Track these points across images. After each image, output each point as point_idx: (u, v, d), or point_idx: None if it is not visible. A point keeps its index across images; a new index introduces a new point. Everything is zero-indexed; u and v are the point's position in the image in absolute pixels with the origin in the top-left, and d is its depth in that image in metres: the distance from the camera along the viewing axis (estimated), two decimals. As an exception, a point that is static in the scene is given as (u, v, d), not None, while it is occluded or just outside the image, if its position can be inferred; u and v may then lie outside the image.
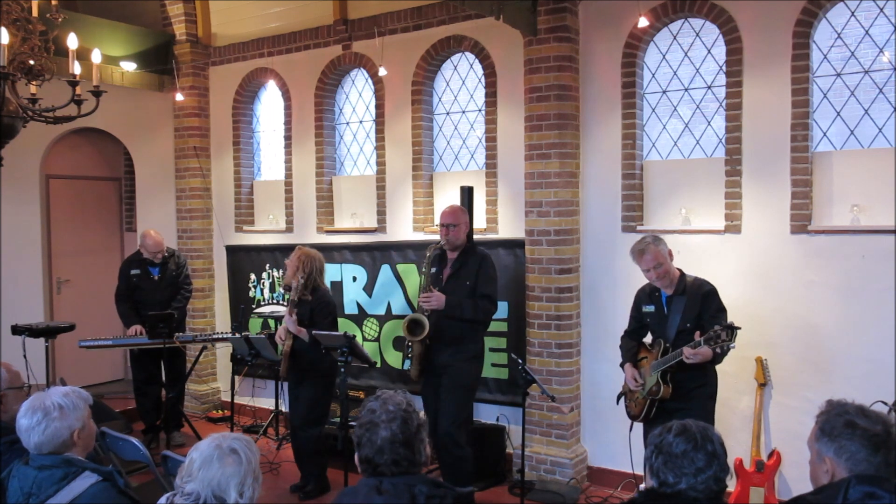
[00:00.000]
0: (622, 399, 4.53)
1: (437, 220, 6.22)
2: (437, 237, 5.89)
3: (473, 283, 4.82)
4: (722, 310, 4.14)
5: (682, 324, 4.14)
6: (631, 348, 4.46)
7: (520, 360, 4.55)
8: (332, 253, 6.53)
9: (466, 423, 4.96)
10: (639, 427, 4.47)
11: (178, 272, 6.55)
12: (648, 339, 4.44)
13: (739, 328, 3.90)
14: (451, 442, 4.77)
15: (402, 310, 6.16)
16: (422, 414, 2.32)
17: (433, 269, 5.04)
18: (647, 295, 4.40)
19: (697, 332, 4.03)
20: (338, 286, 6.51)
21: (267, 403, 7.07)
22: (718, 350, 3.92)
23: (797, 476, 4.65)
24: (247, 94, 7.42)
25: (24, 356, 5.57)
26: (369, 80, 6.64)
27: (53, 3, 4.21)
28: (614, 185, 5.38)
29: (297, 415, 5.38)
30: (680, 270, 4.28)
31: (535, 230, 5.45)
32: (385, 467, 2.21)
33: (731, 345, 3.88)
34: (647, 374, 4.26)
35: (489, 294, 4.84)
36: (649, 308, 4.36)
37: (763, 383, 4.78)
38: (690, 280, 4.24)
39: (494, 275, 4.95)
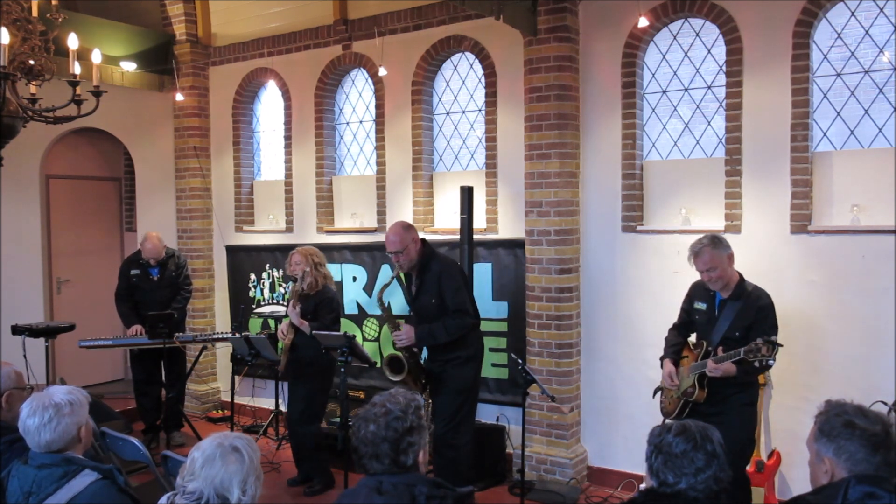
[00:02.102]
0: (659, 393, 4.39)
1: (437, 221, 6.26)
2: (438, 237, 5.92)
3: (439, 300, 4.63)
4: (775, 327, 3.94)
5: (730, 331, 3.95)
6: (675, 344, 4.28)
7: (520, 360, 4.54)
8: (332, 253, 6.53)
9: (464, 426, 4.83)
10: None
11: (178, 272, 6.55)
12: (693, 338, 4.31)
13: (781, 345, 3.75)
14: (443, 444, 4.74)
15: (402, 310, 6.14)
16: (423, 419, 2.31)
17: (405, 285, 4.93)
18: (703, 290, 4.16)
19: (720, 348, 3.91)
20: (338, 286, 6.50)
21: (267, 403, 7.07)
22: (757, 364, 3.74)
23: (797, 476, 4.66)
24: (247, 94, 7.42)
25: (24, 356, 5.58)
26: (369, 80, 6.65)
27: (53, 3, 4.20)
28: (614, 185, 5.38)
29: (294, 411, 5.41)
30: (740, 275, 4.05)
31: (535, 230, 5.45)
32: (367, 460, 2.23)
33: (771, 361, 3.72)
34: (685, 374, 4.13)
35: (459, 307, 4.61)
36: (701, 305, 4.16)
37: (763, 383, 4.78)
38: (750, 288, 4.01)
39: (458, 284, 4.66)
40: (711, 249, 3.96)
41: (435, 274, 4.64)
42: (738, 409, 4.00)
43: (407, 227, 4.73)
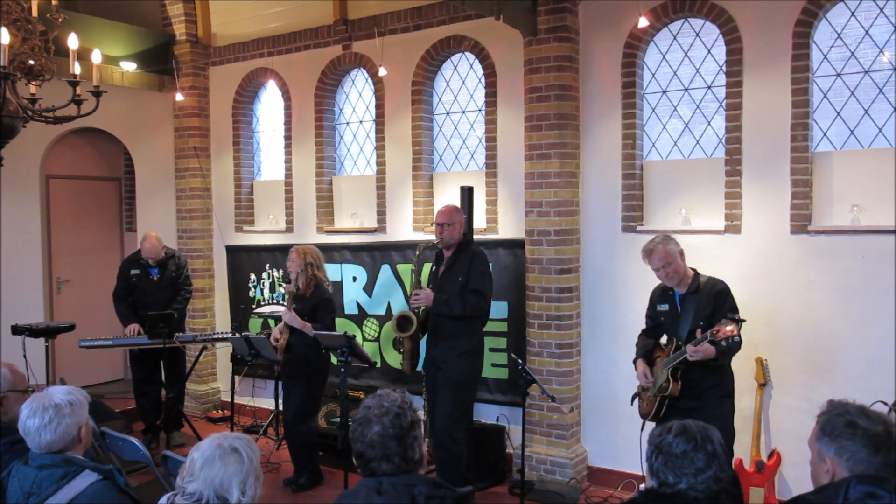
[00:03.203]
0: (636, 400, 4.50)
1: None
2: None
3: (465, 279, 4.82)
4: (734, 309, 4.11)
5: (694, 322, 4.13)
6: (646, 345, 4.43)
7: (520, 360, 4.55)
8: (332, 253, 6.53)
9: (463, 421, 4.93)
10: (650, 427, 4.45)
11: (178, 273, 6.55)
12: (664, 340, 4.40)
13: (744, 320, 3.89)
14: (446, 438, 4.77)
15: (401, 307, 6.16)
16: (420, 413, 2.33)
17: (433, 268, 5.08)
18: (661, 293, 4.39)
19: (698, 331, 4.04)
20: (338, 286, 6.51)
21: (267, 403, 7.07)
22: (724, 344, 3.91)
23: (797, 476, 4.66)
24: (247, 94, 7.42)
25: (24, 356, 5.57)
26: (369, 80, 6.64)
27: (53, 3, 4.20)
28: (614, 185, 5.38)
29: (290, 410, 5.46)
30: (694, 270, 4.27)
31: (535, 230, 5.45)
32: (376, 463, 2.22)
33: (736, 338, 3.89)
34: (658, 372, 4.24)
35: (478, 289, 4.83)
36: (663, 307, 4.35)
37: (763, 383, 4.79)
38: (704, 280, 4.23)
39: (485, 270, 4.93)
40: (664, 246, 4.20)
41: (469, 256, 4.90)
42: (715, 403, 4.12)
43: (458, 209, 5.03)
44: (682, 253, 4.25)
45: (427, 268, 5.28)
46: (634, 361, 4.44)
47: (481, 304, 4.85)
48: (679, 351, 4.10)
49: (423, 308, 4.96)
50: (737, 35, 4.88)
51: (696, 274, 4.26)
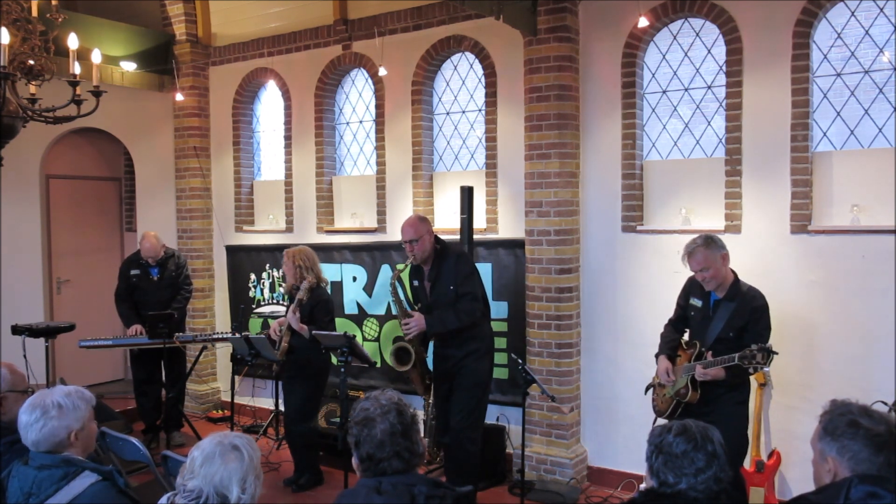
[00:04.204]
0: (651, 391, 4.43)
1: (437, 221, 6.26)
2: (440, 236, 5.91)
3: (456, 287, 4.70)
4: (768, 328, 3.96)
5: (723, 331, 3.97)
6: (671, 341, 4.29)
7: (520, 360, 4.54)
8: (332, 253, 6.53)
9: (481, 421, 4.90)
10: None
11: (178, 272, 6.55)
12: (687, 336, 4.32)
13: (776, 353, 3.78)
14: (464, 437, 4.72)
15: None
16: (415, 410, 2.34)
17: (414, 283, 4.97)
18: (699, 286, 4.14)
19: (709, 353, 3.97)
20: (338, 286, 6.51)
21: (267, 403, 7.07)
22: (751, 371, 3.81)
23: (797, 476, 4.66)
24: (247, 94, 7.42)
25: (24, 356, 5.58)
26: (369, 80, 6.65)
27: (53, 3, 4.20)
28: (614, 185, 5.38)
29: (291, 410, 5.47)
30: (735, 275, 4.07)
31: (535, 230, 5.45)
32: (387, 462, 2.21)
33: (766, 368, 3.77)
34: (678, 374, 4.16)
35: (468, 291, 4.68)
36: (697, 302, 4.17)
37: (763, 383, 4.78)
38: (745, 288, 4.02)
39: (471, 270, 4.80)
40: (704, 250, 3.98)
41: (452, 261, 4.76)
42: (730, 408, 4.03)
43: (422, 219, 4.88)
44: (725, 257, 4.01)
45: (407, 282, 5.13)
46: (657, 356, 4.33)
47: (474, 305, 4.70)
48: (690, 364, 4.04)
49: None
50: (737, 35, 4.88)
51: (737, 280, 4.04)
